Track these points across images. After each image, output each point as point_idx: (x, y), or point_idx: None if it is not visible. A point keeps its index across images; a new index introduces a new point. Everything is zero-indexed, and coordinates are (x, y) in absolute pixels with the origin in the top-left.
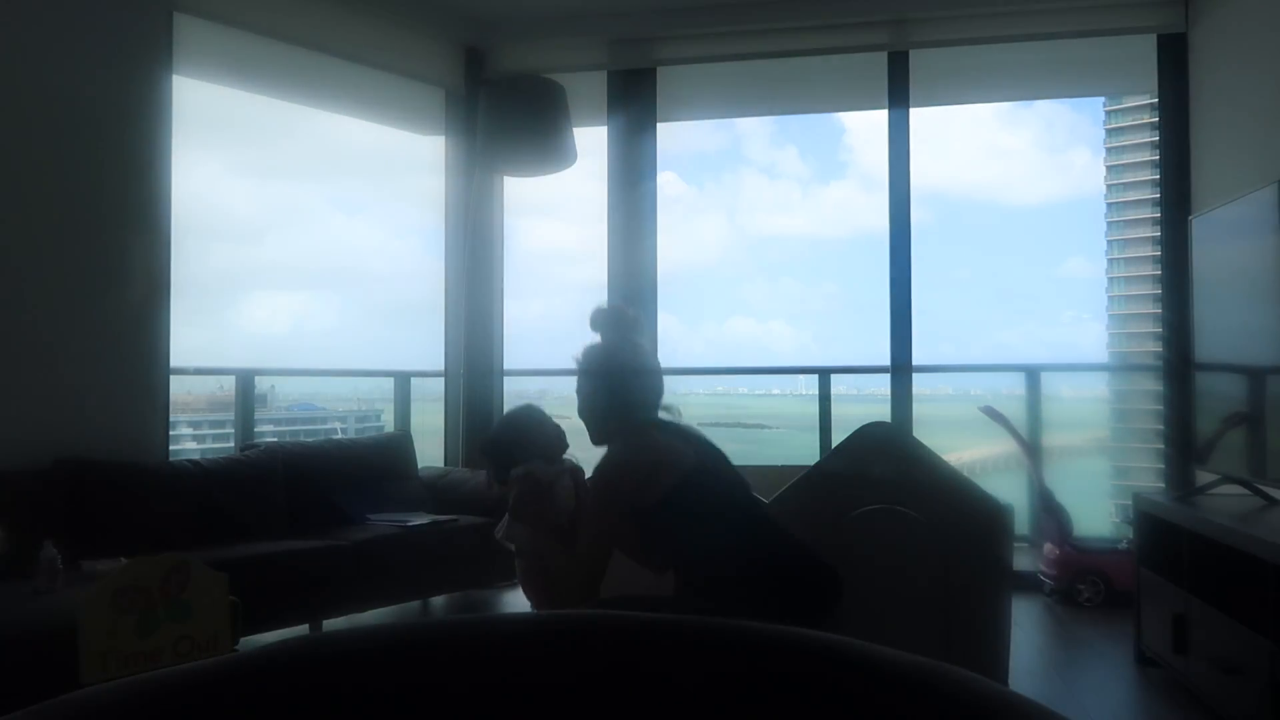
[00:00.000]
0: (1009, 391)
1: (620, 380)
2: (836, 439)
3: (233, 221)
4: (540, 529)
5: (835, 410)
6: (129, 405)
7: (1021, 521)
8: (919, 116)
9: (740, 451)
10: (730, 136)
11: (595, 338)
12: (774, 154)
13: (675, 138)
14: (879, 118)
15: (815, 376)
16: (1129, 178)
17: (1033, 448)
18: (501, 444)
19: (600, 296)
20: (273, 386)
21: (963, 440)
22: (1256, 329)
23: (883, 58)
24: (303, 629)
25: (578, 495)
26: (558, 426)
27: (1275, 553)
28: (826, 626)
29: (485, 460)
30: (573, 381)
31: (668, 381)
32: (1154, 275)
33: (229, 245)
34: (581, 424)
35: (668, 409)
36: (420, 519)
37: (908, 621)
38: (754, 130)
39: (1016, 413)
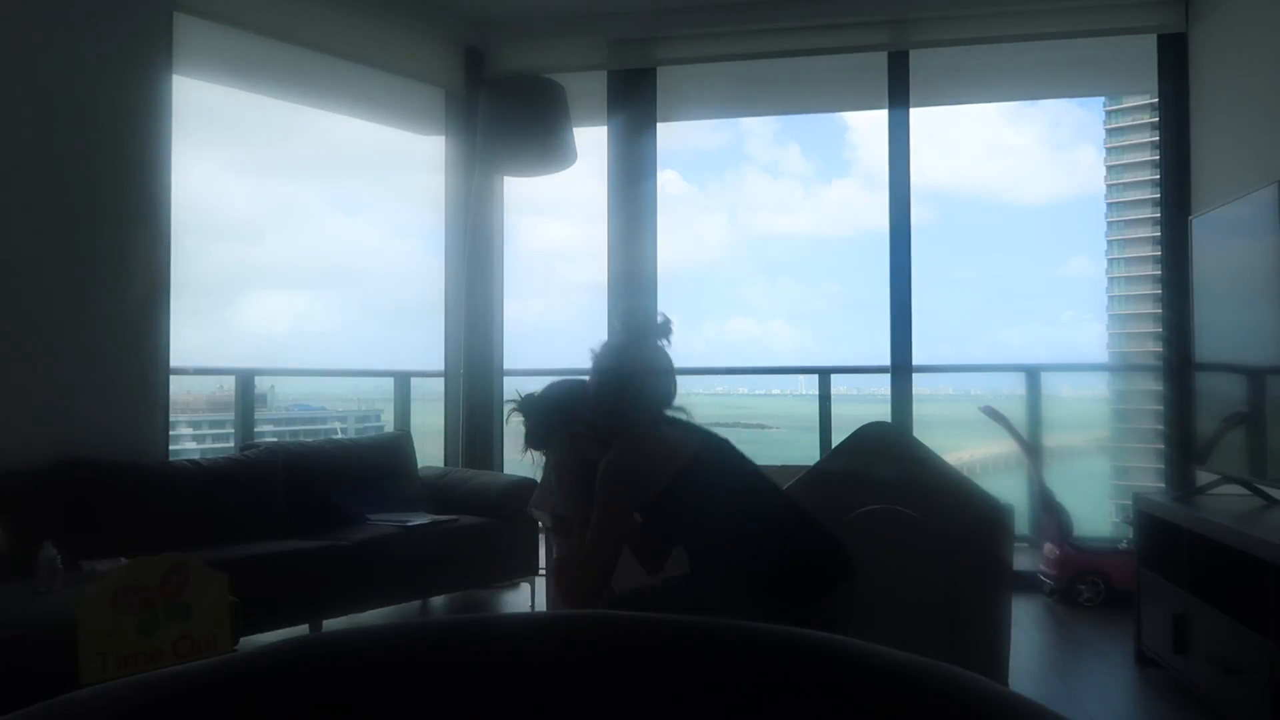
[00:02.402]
0: (1009, 391)
1: (626, 381)
2: (836, 439)
3: (233, 221)
4: (577, 505)
5: (835, 410)
6: (129, 405)
7: (1021, 521)
8: (924, 115)
9: None
10: (733, 134)
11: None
12: (776, 152)
13: (677, 136)
14: (881, 116)
15: (815, 376)
16: (1129, 177)
17: (1033, 448)
18: (550, 408)
19: (600, 296)
20: (273, 386)
21: (963, 440)
22: (1256, 329)
23: (883, 57)
24: (303, 629)
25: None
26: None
27: (1275, 553)
28: (836, 602)
29: (529, 421)
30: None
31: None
32: (1154, 275)
33: (229, 245)
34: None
35: (678, 410)
36: (420, 519)
37: (908, 621)
38: (756, 128)
39: (1016, 413)
